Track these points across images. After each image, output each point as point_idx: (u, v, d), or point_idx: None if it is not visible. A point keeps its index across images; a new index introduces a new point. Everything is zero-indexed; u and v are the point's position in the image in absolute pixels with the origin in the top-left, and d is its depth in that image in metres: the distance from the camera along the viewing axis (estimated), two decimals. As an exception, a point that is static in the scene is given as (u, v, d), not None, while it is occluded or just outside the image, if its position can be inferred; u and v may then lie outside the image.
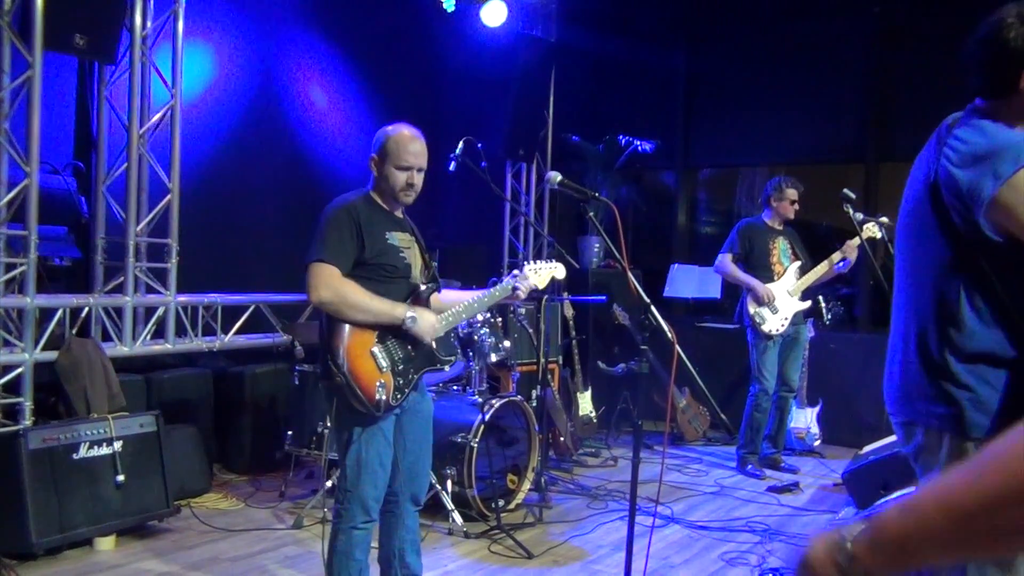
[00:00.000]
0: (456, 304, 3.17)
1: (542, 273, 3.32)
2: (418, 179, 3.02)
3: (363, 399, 2.83)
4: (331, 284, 2.83)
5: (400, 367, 2.95)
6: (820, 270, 5.64)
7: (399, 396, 2.94)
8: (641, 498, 3.72)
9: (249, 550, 4.08)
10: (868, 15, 6.81)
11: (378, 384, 2.86)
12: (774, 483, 5.50)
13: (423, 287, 3.08)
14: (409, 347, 2.99)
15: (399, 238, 3.02)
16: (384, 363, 2.91)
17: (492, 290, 3.23)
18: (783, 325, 5.64)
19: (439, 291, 3.20)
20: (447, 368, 3.21)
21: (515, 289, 3.21)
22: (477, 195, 6.53)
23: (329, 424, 4.56)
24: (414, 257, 3.07)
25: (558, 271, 3.36)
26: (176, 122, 4.94)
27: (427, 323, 2.97)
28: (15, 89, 4.14)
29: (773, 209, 5.76)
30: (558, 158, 7.65)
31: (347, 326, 2.86)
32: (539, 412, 4.83)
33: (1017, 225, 1.84)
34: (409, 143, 3.00)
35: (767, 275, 5.69)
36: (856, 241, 5.38)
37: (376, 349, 2.91)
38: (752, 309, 5.63)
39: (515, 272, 3.30)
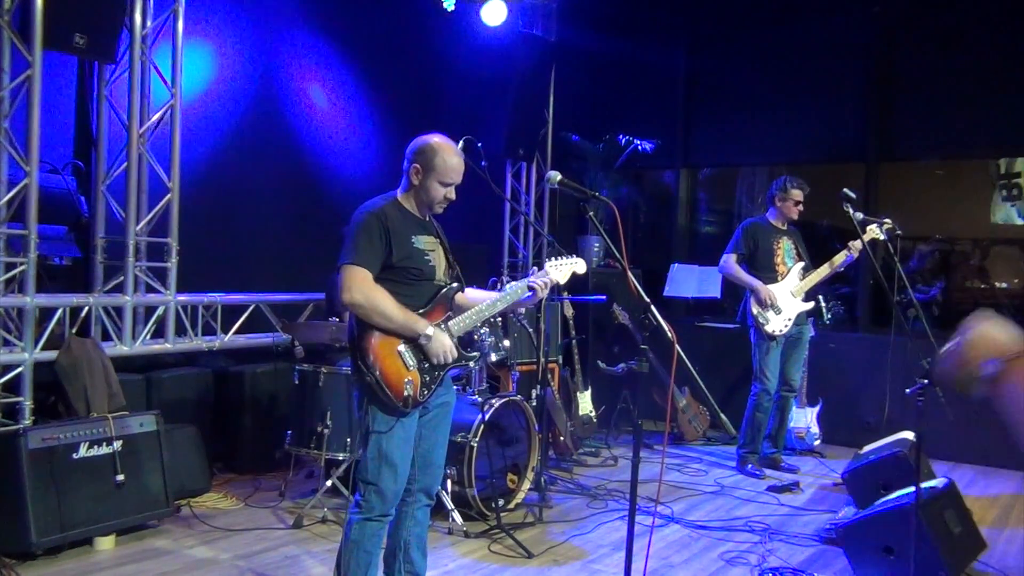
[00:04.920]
0: (478, 303, 3.22)
1: (563, 269, 3.37)
2: (454, 194, 3.12)
3: (391, 396, 2.94)
4: (363, 288, 2.93)
5: (426, 364, 3.04)
6: (823, 271, 5.64)
7: (426, 392, 3.04)
8: (641, 498, 3.72)
9: (249, 550, 4.08)
10: (868, 15, 6.81)
11: (406, 382, 2.97)
12: (774, 483, 5.50)
13: (446, 288, 3.15)
14: None
15: (424, 241, 3.10)
16: (411, 362, 3.00)
17: (511, 289, 3.27)
18: (786, 326, 5.64)
19: (463, 290, 3.26)
20: (472, 364, 3.27)
21: (531, 287, 3.24)
22: (477, 195, 6.48)
23: (329, 423, 4.58)
24: (439, 259, 3.15)
25: (578, 266, 3.41)
26: (176, 121, 4.94)
27: (440, 346, 3.04)
28: (15, 89, 4.14)
29: (777, 209, 5.76)
30: (558, 157, 7.65)
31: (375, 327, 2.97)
32: (539, 412, 4.83)
33: None
34: (456, 162, 3.08)
35: (771, 275, 5.69)
36: (858, 244, 5.39)
37: (403, 348, 3.00)
38: (755, 310, 5.62)
39: (534, 269, 3.35)
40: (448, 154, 3.07)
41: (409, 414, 3.01)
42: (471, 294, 3.30)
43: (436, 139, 3.11)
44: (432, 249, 3.12)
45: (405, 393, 2.95)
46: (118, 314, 4.78)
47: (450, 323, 3.12)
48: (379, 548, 3.08)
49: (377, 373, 2.93)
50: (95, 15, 4.32)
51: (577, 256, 3.41)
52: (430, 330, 3.01)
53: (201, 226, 5.32)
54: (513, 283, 3.33)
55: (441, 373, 3.10)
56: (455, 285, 3.20)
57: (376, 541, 3.04)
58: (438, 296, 3.12)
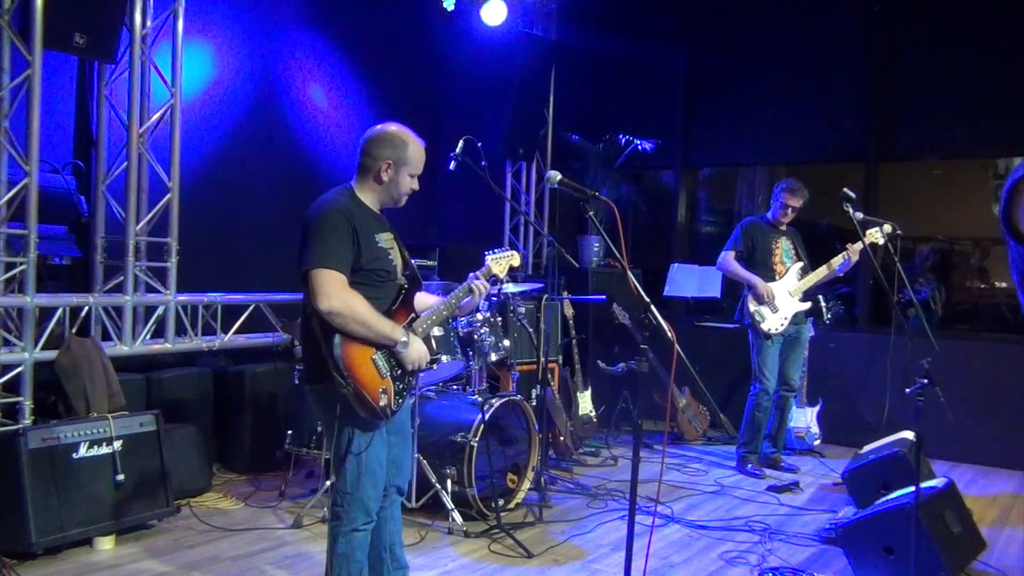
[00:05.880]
0: (429, 303, 3.17)
1: (501, 262, 3.38)
2: (418, 183, 3.08)
3: (371, 405, 2.85)
4: (342, 295, 2.80)
5: (398, 372, 2.97)
6: (821, 273, 5.62)
7: (400, 400, 2.97)
8: (641, 497, 3.72)
9: (249, 549, 4.08)
10: (868, 15, 6.82)
11: (381, 391, 2.88)
12: (774, 482, 5.50)
13: (407, 288, 3.07)
14: None
15: (385, 239, 3.01)
16: (385, 369, 2.92)
17: (457, 291, 3.20)
18: (783, 324, 5.63)
19: (421, 288, 3.20)
20: (435, 367, 3.23)
21: (471, 288, 3.18)
22: (477, 194, 6.51)
23: (320, 428, 4.57)
24: (397, 257, 3.07)
25: (514, 259, 3.43)
26: (176, 121, 4.94)
27: (416, 352, 2.97)
28: (15, 88, 4.14)
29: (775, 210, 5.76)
30: (558, 157, 7.64)
31: (348, 335, 2.85)
32: (539, 411, 4.83)
33: None
34: (422, 148, 3.03)
35: (769, 274, 5.68)
36: (858, 246, 5.38)
37: (377, 356, 2.91)
38: (752, 307, 5.62)
39: (475, 273, 3.28)
40: (415, 143, 3.01)
41: (382, 425, 2.94)
42: (422, 298, 3.23)
43: (397, 129, 3.03)
44: (391, 247, 3.03)
45: (382, 403, 2.86)
46: (118, 314, 4.78)
47: (413, 325, 3.04)
48: (367, 553, 3.05)
49: (354, 383, 2.80)
50: (95, 15, 4.32)
51: (513, 250, 3.47)
52: (405, 337, 2.93)
53: (201, 226, 5.32)
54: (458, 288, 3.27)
55: (412, 380, 3.03)
56: (412, 287, 3.10)
57: (364, 548, 3.01)
58: (401, 297, 3.03)
